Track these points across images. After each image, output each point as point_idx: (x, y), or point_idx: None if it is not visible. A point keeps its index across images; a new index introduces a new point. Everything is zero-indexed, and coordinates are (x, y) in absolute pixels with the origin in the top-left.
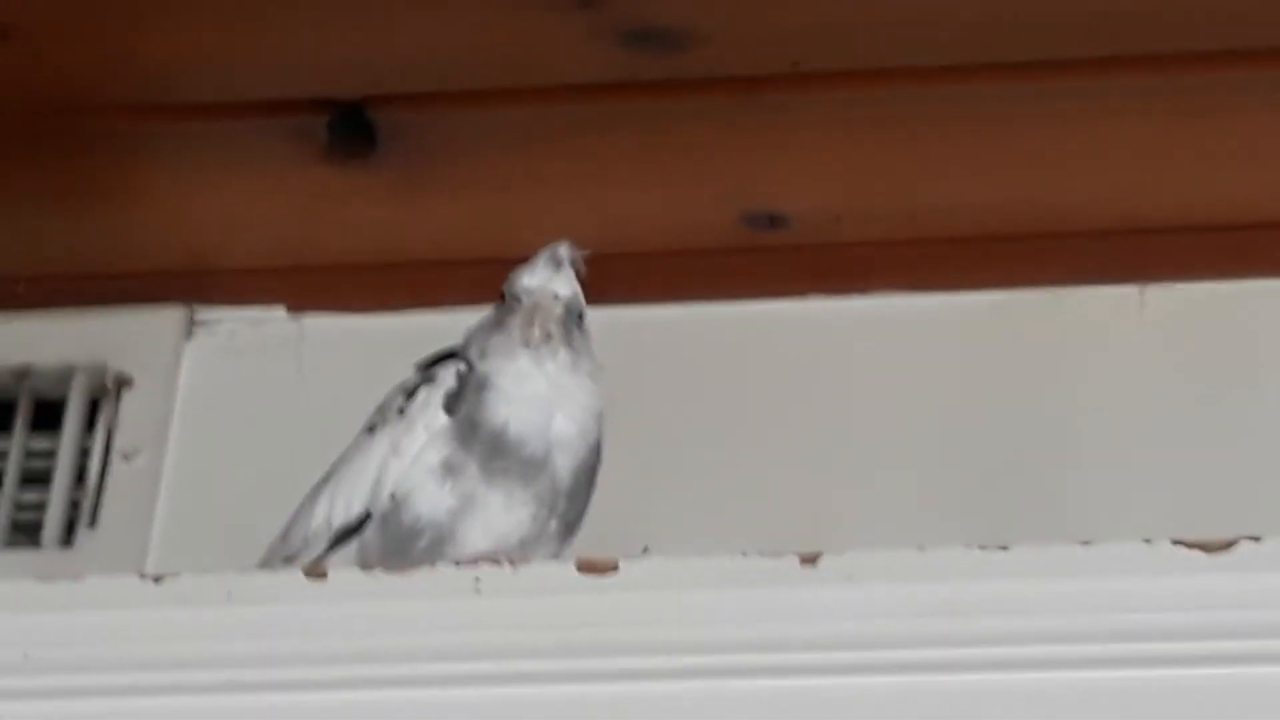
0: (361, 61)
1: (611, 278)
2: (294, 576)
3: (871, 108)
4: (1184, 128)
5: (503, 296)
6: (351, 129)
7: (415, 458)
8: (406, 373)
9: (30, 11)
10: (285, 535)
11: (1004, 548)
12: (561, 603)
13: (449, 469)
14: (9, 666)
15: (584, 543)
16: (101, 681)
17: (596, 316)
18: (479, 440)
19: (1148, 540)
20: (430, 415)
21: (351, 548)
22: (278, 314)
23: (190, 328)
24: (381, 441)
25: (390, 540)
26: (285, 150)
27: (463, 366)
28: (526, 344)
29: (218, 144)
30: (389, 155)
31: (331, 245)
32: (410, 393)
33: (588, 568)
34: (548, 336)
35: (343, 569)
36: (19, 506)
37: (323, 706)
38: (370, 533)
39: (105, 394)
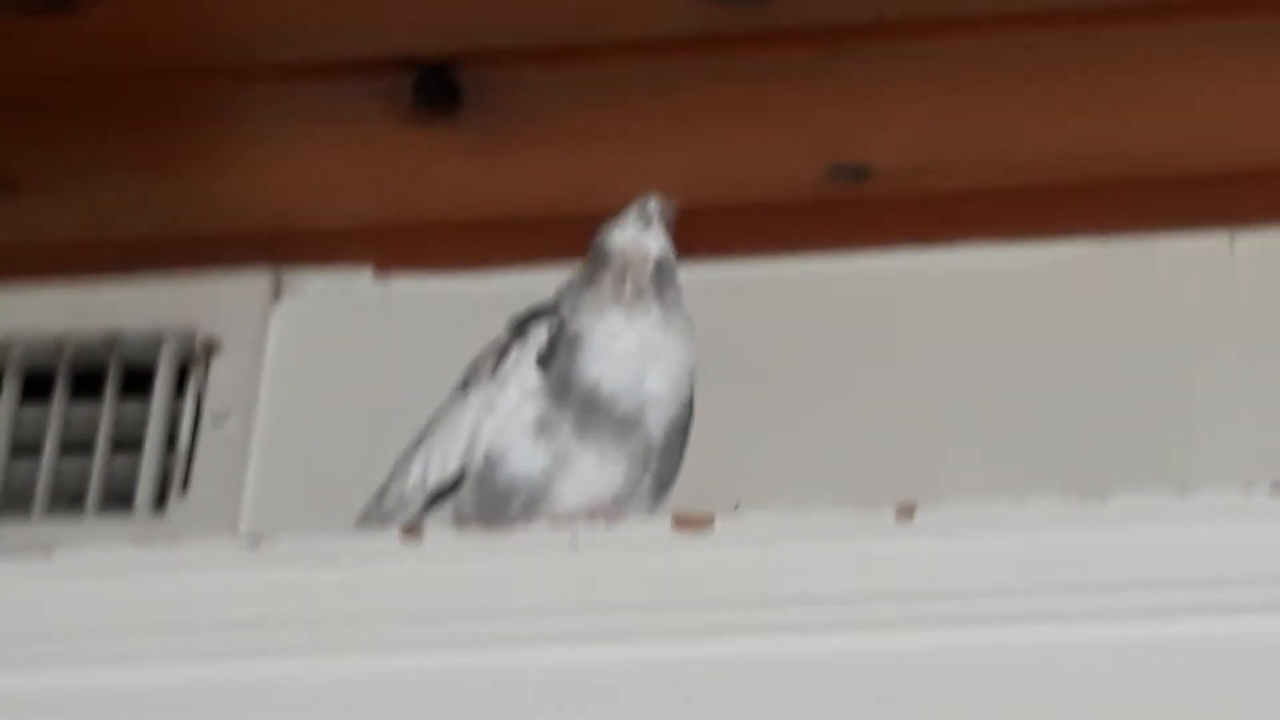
0: (446, 20)
1: (697, 232)
2: (390, 537)
3: (955, 57)
4: (1273, 72)
5: (593, 253)
6: (437, 88)
7: (509, 416)
8: (494, 332)
9: None
10: (380, 496)
11: (1100, 497)
12: (657, 559)
13: (543, 427)
14: (110, 631)
15: (677, 499)
16: (200, 644)
17: (682, 272)
18: (572, 398)
19: (1245, 486)
20: (523, 373)
21: (447, 507)
22: (365, 275)
23: (278, 291)
24: (475, 400)
25: (485, 499)
26: (371, 111)
27: (554, 323)
28: (618, 300)
29: (303, 106)
30: (474, 114)
31: (418, 205)
32: (503, 351)
33: (683, 523)
34: (639, 293)
35: (438, 528)
36: (111, 473)
37: (420, 666)
38: (465, 492)
39: (194, 359)
